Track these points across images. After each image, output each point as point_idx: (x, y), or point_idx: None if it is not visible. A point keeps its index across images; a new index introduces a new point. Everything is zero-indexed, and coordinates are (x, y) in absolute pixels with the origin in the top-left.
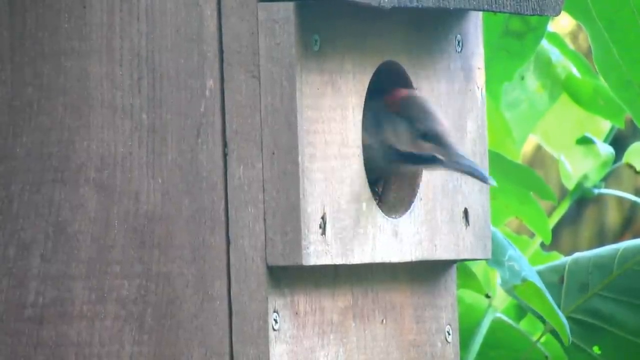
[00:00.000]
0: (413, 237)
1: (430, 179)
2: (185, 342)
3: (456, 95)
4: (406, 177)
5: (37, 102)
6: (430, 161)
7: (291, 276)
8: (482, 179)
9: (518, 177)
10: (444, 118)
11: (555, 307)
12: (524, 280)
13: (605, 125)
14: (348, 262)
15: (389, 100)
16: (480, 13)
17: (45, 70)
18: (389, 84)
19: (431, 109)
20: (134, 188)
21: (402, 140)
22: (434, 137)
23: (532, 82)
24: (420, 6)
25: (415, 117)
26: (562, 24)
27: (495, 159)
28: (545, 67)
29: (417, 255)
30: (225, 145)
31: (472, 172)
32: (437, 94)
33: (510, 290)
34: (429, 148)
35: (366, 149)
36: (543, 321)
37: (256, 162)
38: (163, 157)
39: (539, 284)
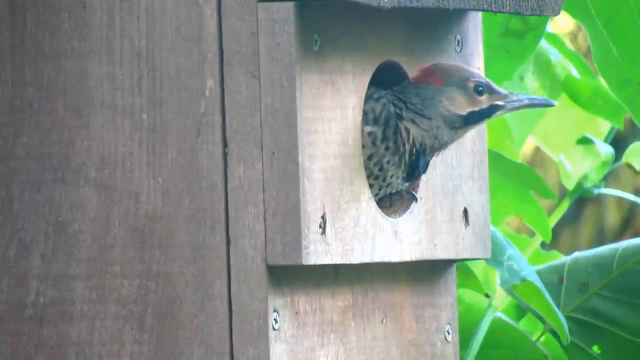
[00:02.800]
0: (413, 237)
1: (430, 179)
2: (185, 341)
3: None
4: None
5: (38, 102)
6: (491, 112)
7: (291, 276)
8: (546, 104)
9: (518, 176)
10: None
11: (554, 306)
12: (523, 279)
13: (604, 126)
14: (348, 262)
15: (426, 78)
16: (480, 13)
17: (46, 70)
18: (389, 83)
19: (464, 65)
20: (134, 188)
21: (460, 105)
22: (486, 87)
23: (532, 82)
24: (420, 6)
25: (461, 78)
26: (562, 24)
27: (495, 158)
28: (545, 68)
29: (416, 255)
30: (225, 145)
31: (533, 103)
32: None
33: (509, 290)
34: (486, 100)
35: (428, 132)
36: (542, 321)
37: (256, 162)
38: (163, 157)
39: (538, 283)
